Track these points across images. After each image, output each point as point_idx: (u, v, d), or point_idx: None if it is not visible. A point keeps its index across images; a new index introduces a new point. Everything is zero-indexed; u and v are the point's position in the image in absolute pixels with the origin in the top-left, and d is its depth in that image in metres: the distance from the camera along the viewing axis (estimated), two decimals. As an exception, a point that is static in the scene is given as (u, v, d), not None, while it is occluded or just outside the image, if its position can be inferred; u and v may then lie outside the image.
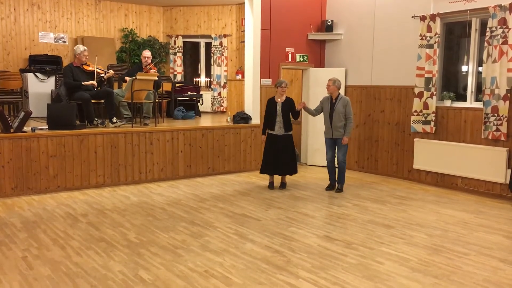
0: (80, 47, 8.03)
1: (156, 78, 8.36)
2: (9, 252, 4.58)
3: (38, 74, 10.02)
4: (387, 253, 4.66)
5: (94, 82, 7.99)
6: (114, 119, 7.98)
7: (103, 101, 8.29)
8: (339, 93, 7.21)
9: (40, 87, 10.01)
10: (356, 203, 6.70)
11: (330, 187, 7.55)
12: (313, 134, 9.69)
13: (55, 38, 10.93)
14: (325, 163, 9.53)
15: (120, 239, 5.01)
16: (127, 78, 8.39)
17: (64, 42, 11.04)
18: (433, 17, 7.66)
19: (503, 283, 3.99)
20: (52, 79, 10.11)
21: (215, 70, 12.13)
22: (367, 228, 5.48)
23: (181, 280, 3.98)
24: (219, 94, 12.17)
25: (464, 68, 7.68)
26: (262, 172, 7.52)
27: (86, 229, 5.34)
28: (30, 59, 10.34)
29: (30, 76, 9.94)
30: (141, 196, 6.97)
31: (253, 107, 9.06)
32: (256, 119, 9.06)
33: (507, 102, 6.82)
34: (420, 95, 7.85)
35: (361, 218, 5.92)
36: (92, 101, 8.04)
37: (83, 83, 7.84)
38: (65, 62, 10.54)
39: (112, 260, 4.41)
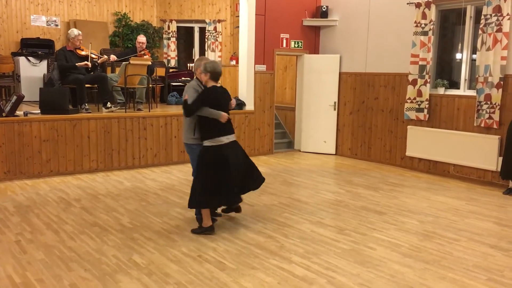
0: (75, 31, 7.94)
1: (150, 63, 8.30)
2: (2, 236, 4.58)
3: (30, 58, 9.90)
4: (379, 239, 4.71)
5: (88, 63, 7.90)
6: (108, 104, 7.93)
7: (96, 86, 8.23)
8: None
9: (32, 71, 9.90)
10: (349, 189, 6.74)
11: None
12: (306, 120, 9.69)
13: (47, 22, 10.79)
14: (318, 150, 9.63)
15: (113, 224, 5.01)
16: (112, 57, 8.36)
17: (56, 25, 10.90)
18: (428, 4, 7.63)
19: (493, 268, 4.05)
20: (44, 63, 10.00)
21: (209, 56, 12.05)
22: (360, 214, 5.52)
23: (174, 264, 4.00)
24: (213, 79, 12.10)
25: (458, 55, 7.69)
26: (207, 205, 4.76)
27: (80, 214, 5.34)
28: (22, 43, 10.21)
29: (22, 59, 9.83)
30: (135, 181, 6.96)
31: (247, 93, 9.04)
32: (250, 105, 9.05)
33: (500, 90, 6.85)
34: (414, 82, 7.86)
35: (353, 204, 5.97)
36: (86, 85, 7.98)
37: (76, 64, 7.77)
38: (58, 46, 10.43)
39: (106, 245, 4.42)
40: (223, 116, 4.72)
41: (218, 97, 4.80)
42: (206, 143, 4.72)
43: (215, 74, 4.77)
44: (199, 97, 4.72)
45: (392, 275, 3.87)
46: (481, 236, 4.86)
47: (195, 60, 5.12)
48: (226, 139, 4.76)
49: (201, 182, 4.68)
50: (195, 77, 5.06)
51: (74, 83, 7.75)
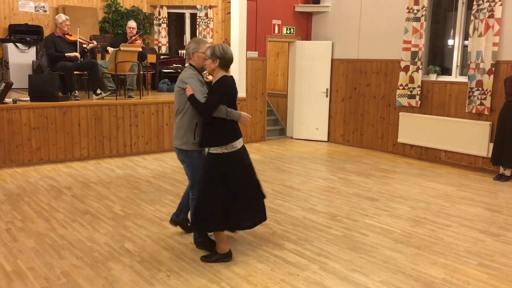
0: (62, 16, 7.83)
1: (140, 49, 8.20)
2: (-7, 225, 4.55)
3: (18, 44, 9.75)
4: (371, 225, 4.73)
5: (78, 54, 7.81)
6: (98, 91, 7.85)
7: (86, 72, 8.14)
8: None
9: (21, 58, 9.76)
10: (341, 176, 6.76)
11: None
12: (299, 107, 9.67)
13: (35, 7, 10.61)
14: (310, 137, 9.63)
15: (105, 212, 4.99)
16: (109, 49, 8.22)
17: (45, 11, 10.73)
18: (420, -10, 7.60)
19: (483, 253, 4.09)
20: (33, 50, 9.86)
21: (201, 42, 11.93)
22: (352, 201, 5.54)
23: (167, 252, 3.99)
24: (205, 66, 12.00)
25: (450, 42, 7.68)
26: (223, 227, 3.82)
27: (71, 202, 5.31)
28: (10, 29, 10.04)
29: (10, 46, 9.67)
30: (126, 169, 6.92)
31: (239, 80, 8.97)
32: (242, 92, 8.99)
33: (492, 76, 6.86)
34: (406, 69, 7.85)
35: (346, 191, 5.98)
36: (76, 72, 7.88)
37: (66, 54, 7.67)
38: (46, 32, 10.27)
39: (98, 233, 4.40)
40: (247, 118, 3.78)
41: (235, 92, 3.81)
42: (216, 150, 3.69)
43: (228, 61, 3.71)
44: (219, 91, 3.65)
45: (384, 260, 3.90)
46: (472, 222, 4.90)
47: (189, 42, 3.94)
48: (239, 144, 3.78)
49: (212, 199, 3.68)
50: (188, 64, 3.95)
51: (62, 71, 7.64)
